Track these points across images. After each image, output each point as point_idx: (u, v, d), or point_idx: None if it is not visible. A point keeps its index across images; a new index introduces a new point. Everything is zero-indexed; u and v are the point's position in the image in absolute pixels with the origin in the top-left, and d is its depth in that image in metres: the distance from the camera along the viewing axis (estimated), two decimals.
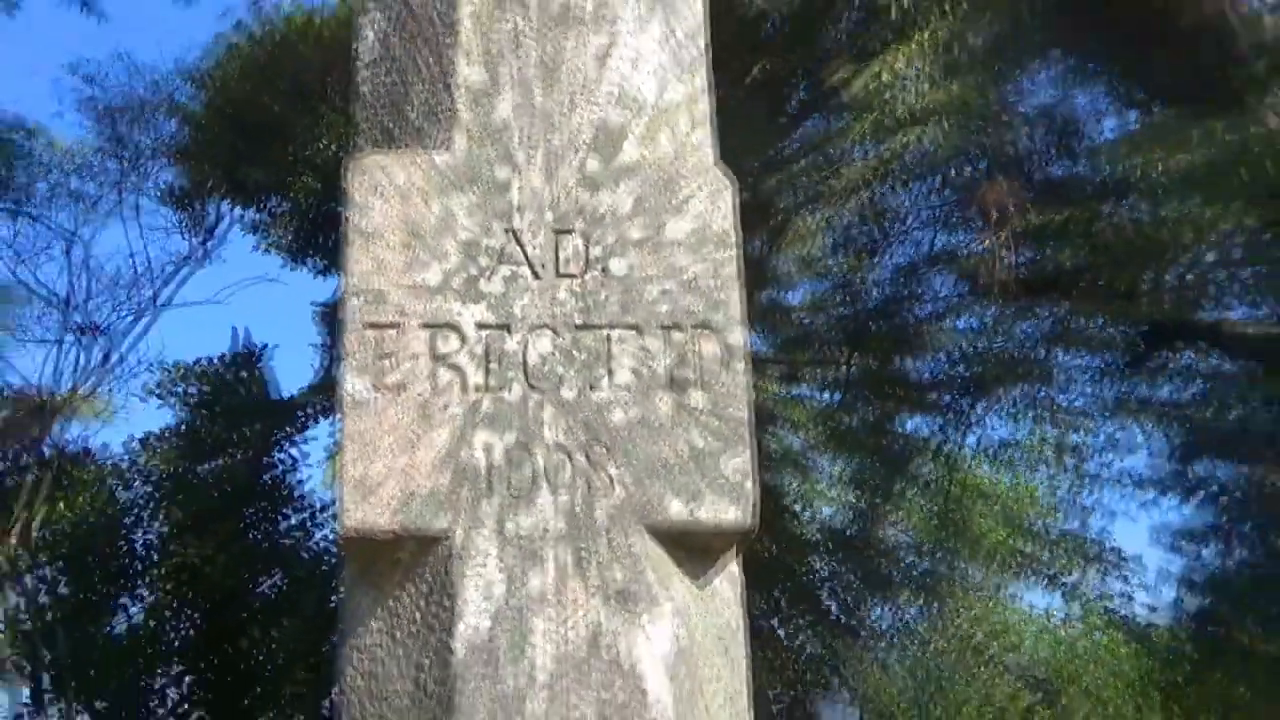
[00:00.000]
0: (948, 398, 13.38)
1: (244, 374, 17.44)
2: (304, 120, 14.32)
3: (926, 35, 9.62)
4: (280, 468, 17.12)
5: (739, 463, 1.66)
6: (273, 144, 14.85)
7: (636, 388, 1.69)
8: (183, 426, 17.23)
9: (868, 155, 11.06)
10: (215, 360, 17.25)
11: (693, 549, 1.68)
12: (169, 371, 17.38)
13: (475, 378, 1.69)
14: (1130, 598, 18.09)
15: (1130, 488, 14.56)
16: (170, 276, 18.87)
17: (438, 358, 1.69)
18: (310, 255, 16.79)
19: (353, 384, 1.64)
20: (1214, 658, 14.66)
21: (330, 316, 17.55)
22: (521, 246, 1.71)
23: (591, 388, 1.70)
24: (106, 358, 19.15)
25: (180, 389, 17.17)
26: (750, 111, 9.75)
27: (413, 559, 1.67)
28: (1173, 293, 11.61)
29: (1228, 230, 10.32)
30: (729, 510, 1.66)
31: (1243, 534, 13.59)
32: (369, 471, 1.64)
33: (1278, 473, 12.31)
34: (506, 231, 1.73)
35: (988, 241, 11.15)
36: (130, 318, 19.17)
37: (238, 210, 17.72)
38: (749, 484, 1.63)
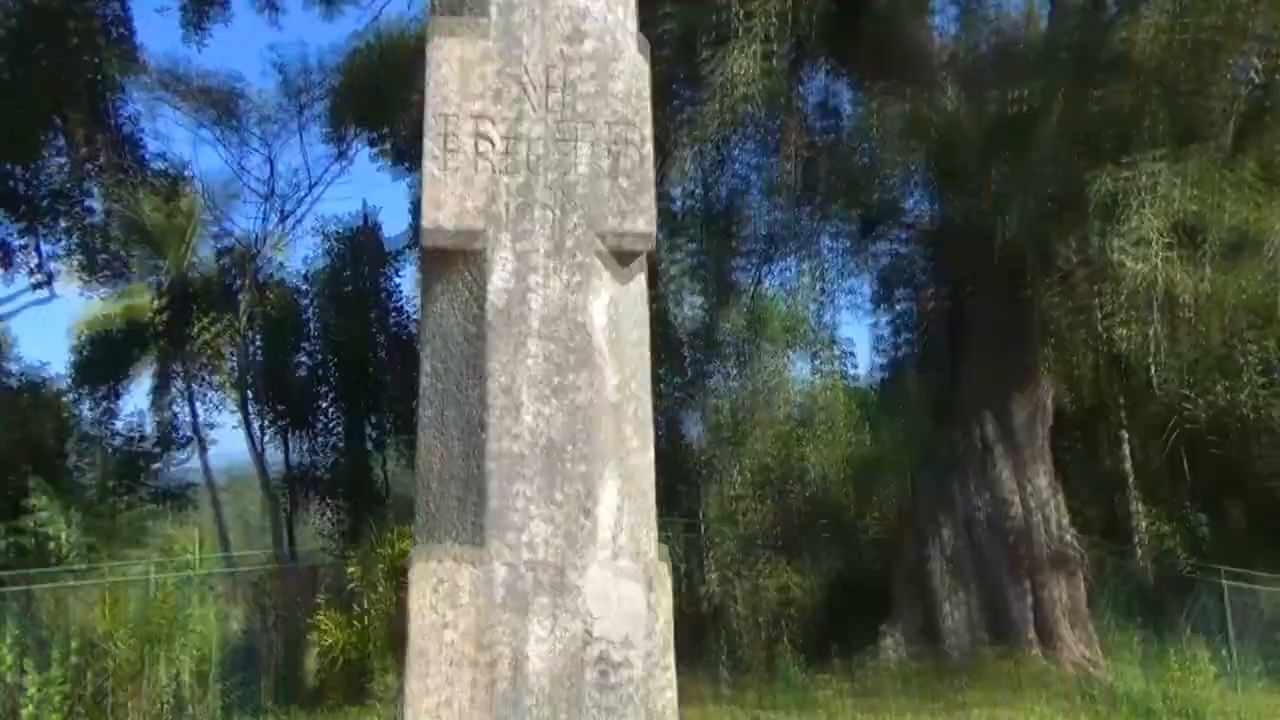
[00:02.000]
0: (758, 252, 13.61)
1: (366, 228, 18.34)
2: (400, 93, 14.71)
3: None
4: (385, 283, 18.35)
5: (647, 201, 1.74)
6: (382, 104, 15.61)
7: (590, 173, 1.76)
8: (331, 260, 18.40)
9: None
10: (349, 220, 18.34)
11: (621, 257, 1.76)
12: (325, 227, 18.50)
13: (499, 161, 1.74)
14: (852, 368, 18.84)
15: (857, 307, 15.27)
16: (323, 175, 20.24)
17: (479, 153, 1.74)
18: (407, 166, 17.18)
19: (430, 162, 1.70)
20: (889, 400, 15.44)
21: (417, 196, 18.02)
22: (527, 85, 1.75)
23: (565, 173, 1.76)
24: (285, 220, 20.11)
25: (331, 237, 18.32)
26: None
27: (463, 262, 1.74)
28: (881, 198, 11.98)
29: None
30: (642, 223, 1.75)
31: (910, 336, 14.36)
32: (439, 211, 1.71)
33: (933, 305, 12.92)
34: (518, 79, 1.75)
35: (786, 165, 11.30)
36: (302, 195, 20.06)
37: (364, 137, 18.43)
38: (652, 212, 1.73)
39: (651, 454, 1.79)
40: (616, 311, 1.77)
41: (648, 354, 1.85)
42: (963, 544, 10.22)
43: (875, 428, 18.31)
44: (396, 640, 9.82)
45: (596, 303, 1.74)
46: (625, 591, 1.62)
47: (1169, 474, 20.14)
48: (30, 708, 9.39)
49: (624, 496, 1.69)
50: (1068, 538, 10.21)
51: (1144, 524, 19.21)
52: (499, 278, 1.72)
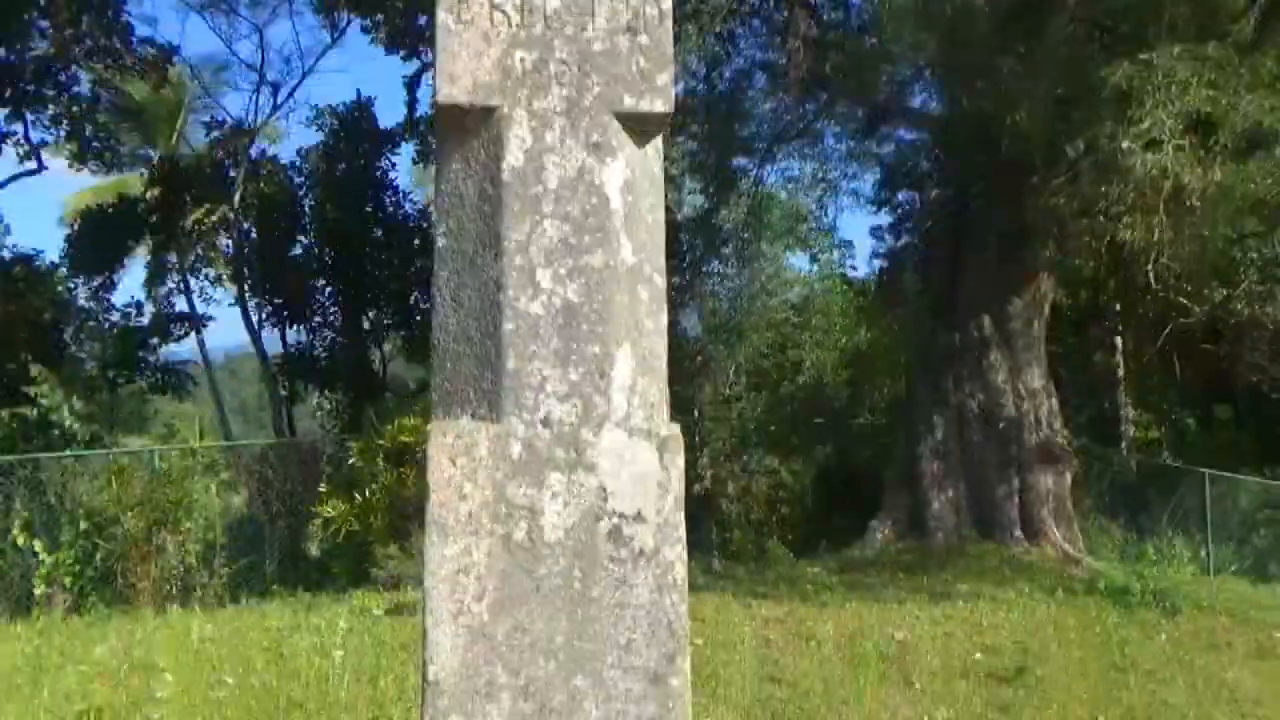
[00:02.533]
0: (761, 145, 13.40)
1: (360, 113, 18.27)
2: None
3: None
4: (381, 169, 18.39)
5: (665, 77, 1.68)
6: None
7: (608, 30, 1.70)
8: (325, 143, 18.24)
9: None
10: (344, 105, 18.23)
11: (639, 120, 1.71)
12: (318, 111, 18.39)
13: (515, 18, 1.67)
14: (851, 266, 18.78)
15: (859, 203, 15.08)
16: (318, 55, 20.51)
17: (494, 7, 1.67)
18: (398, 46, 17.12)
19: (444, 18, 1.64)
20: (887, 297, 15.42)
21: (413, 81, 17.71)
22: None
23: (583, 29, 1.70)
24: (277, 103, 20.10)
25: (324, 121, 18.22)
26: None
27: (477, 123, 1.69)
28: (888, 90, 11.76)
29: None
30: (659, 104, 1.70)
31: (912, 233, 14.28)
32: (454, 69, 1.65)
33: (936, 202, 12.80)
34: None
35: (789, 56, 11.04)
36: (295, 79, 20.07)
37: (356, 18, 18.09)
38: (670, 90, 1.67)
39: (665, 327, 1.77)
40: (634, 179, 1.73)
41: (663, 225, 1.82)
42: (954, 439, 10.38)
43: (871, 325, 18.38)
44: (398, 522, 10.02)
45: (614, 169, 1.70)
46: (639, 457, 1.62)
47: (1160, 375, 20.35)
48: (43, 584, 9.63)
49: (638, 367, 1.68)
50: (1057, 434, 10.36)
51: (1131, 423, 19.53)
52: (515, 143, 1.67)
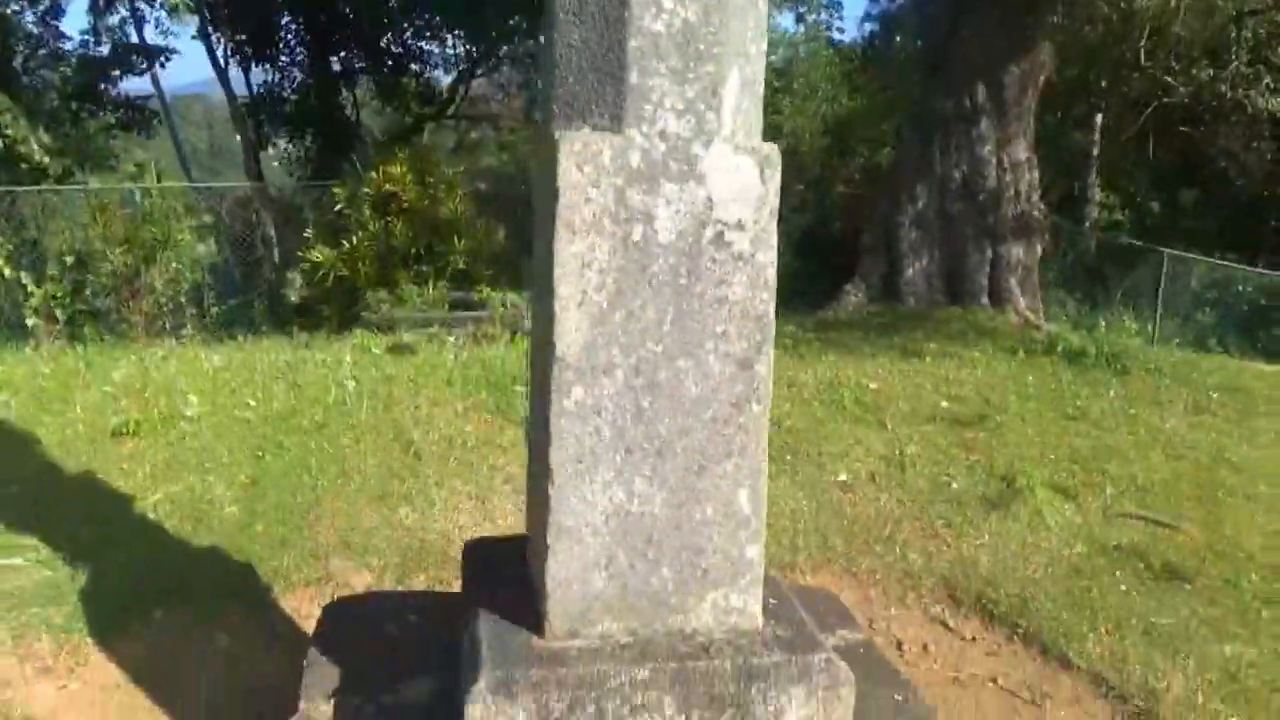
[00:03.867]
0: None
1: None
2: None
3: None
4: None
5: None
6: None
7: None
8: None
9: None
10: None
11: None
12: None
13: None
14: (839, 29, 18.19)
15: None
16: None
17: None
18: None
19: None
20: (876, 60, 15.09)
21: None
22: None
23: None
24: None
25: None
26: None
27: None
28: None
29: None
30: None
31: None
32: None
33: None
34: None
35: None
36: None
37: None
38: None
39: (765, 53, 1.90)
40: None
41: None
42: (934, 206, 10.62)
43: (855, 88, 18.07)
44: (386, 270, 10.19)
45: None
46: (743, 171, 1.81)
47: (1132, 157, 20.53)
48: (34, 315, 9.79)
49: (744, 88, 1.83)
50: (1034, 207, 10.65)
51: (1098, 204, 19.91)
52: None
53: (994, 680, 3.75)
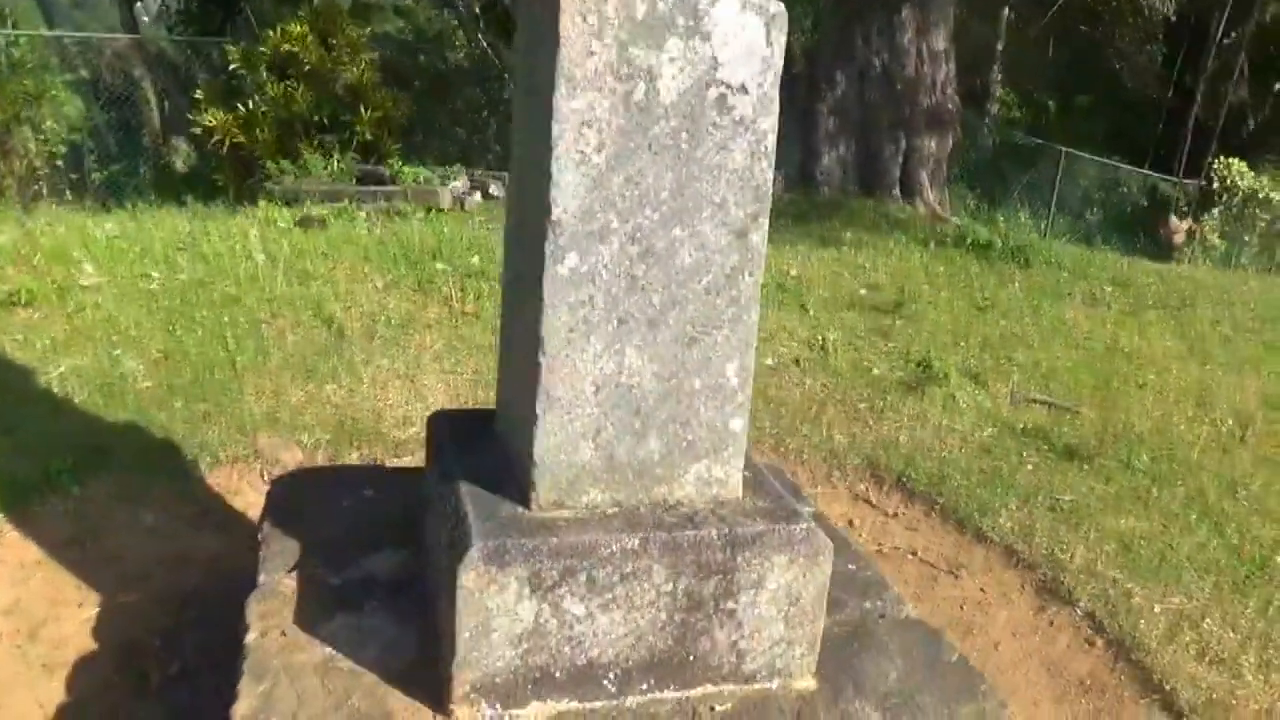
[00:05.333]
0: None
1: None
2: None
3: None
4: None
5: None
6: None
7: None
8: None
9: None
10: None
11: None
12: None
13: None
14: None
15: None
16: None
17: None
18: None
19: None
20: None
21: None
22: None
23: None
24: None
25: None
26: None
27: None
28: None
29: None
30: None
31: None
32: None
33: None
34: None
35: None
36: None
37: None
38: None
39: None
40: None
41: None
42: (853, 94, 10.59)
43: None
44: (287, 138, 9.62)
45: None
46: (749, 30, 1.72)
47: (1034, 56, 20.85)
48: None
49: None
50: (949, 99, 10.74)
51: (998, 100, 20.25)
52: None
53: (914, 553, 3.94)
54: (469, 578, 1.74)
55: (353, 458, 3.98)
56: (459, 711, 1.82)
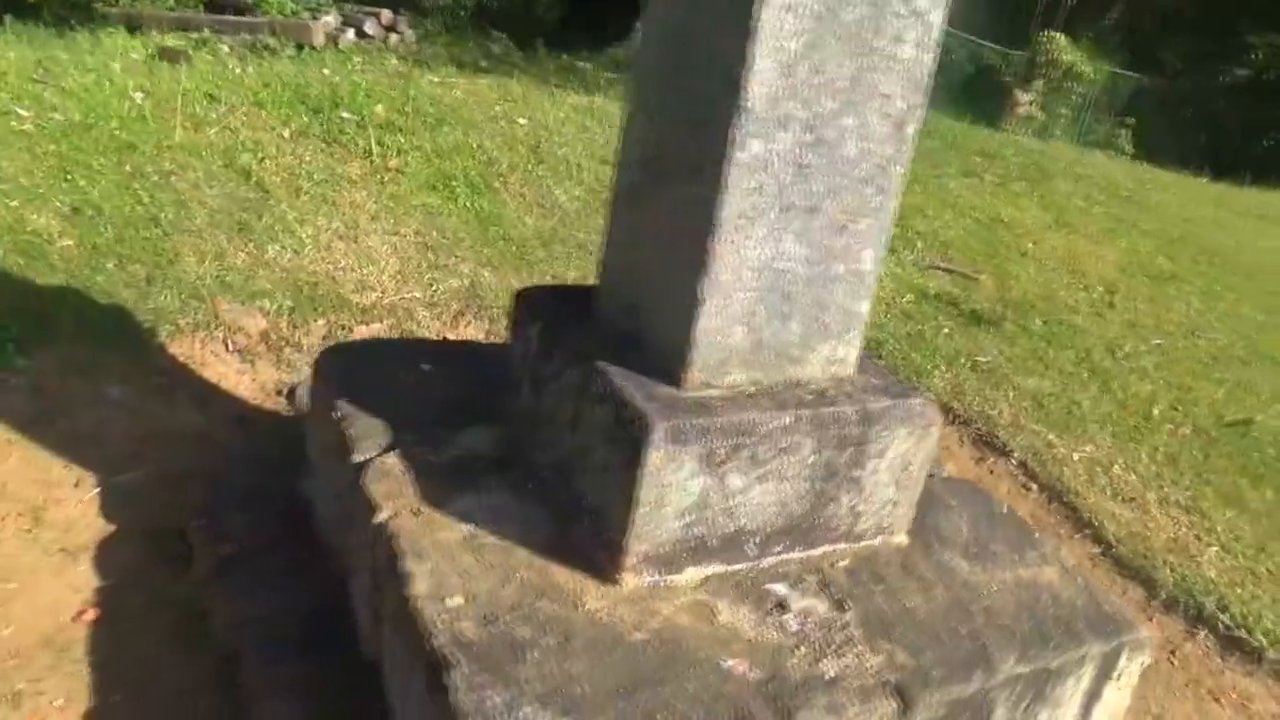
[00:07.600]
0: None
1: None
2: None
3: None
4: None
5: None
6: None
7: None
8: None
9: None
10: None
11: None
12: None
13: None
14: None
15: None
16: None
17: None
18: None
19: None
20: None
21: None
22: None
23: None
24: None
25: None
26: None
27: None
28: None
29: None
30: None
31: None
32: None
33: None
34: None
35: None
36: None
37: None
38: None
39: None
40: None
41: None
42: None
43: None
44: None
45: None
46: None
47: None
48: None
49: None
50: None
51: None
52: None
53: None
54: (655, 456, 1.81)
55: (319, 326, 3.81)
56: (627, 579, 1.91)
